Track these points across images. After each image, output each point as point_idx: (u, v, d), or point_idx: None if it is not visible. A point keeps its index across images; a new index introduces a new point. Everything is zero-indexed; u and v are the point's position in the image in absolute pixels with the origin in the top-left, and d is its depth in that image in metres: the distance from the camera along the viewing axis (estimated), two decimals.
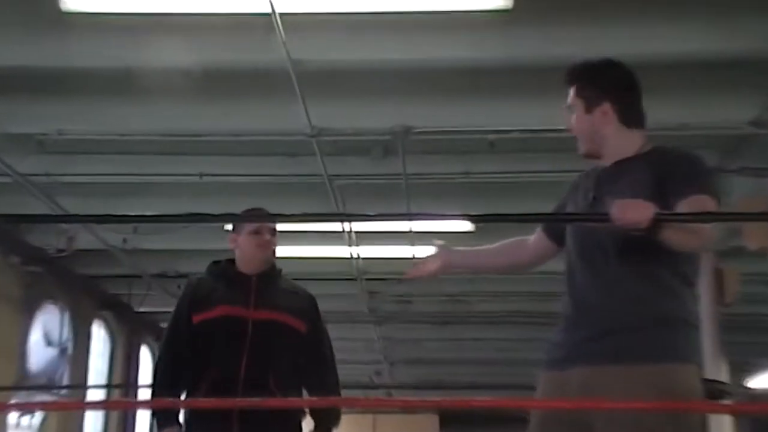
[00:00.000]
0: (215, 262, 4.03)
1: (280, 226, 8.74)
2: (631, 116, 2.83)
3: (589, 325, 2.66)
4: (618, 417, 2.47)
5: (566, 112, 2.90)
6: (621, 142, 2.78)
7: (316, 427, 3.83)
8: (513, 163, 7.68)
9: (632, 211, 2.39)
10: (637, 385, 2.49)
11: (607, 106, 2.81)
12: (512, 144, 7.29)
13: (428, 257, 3.14)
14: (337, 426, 3.89)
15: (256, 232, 3.90)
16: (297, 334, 3.83)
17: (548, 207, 3.09)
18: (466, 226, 9.08)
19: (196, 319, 3.79)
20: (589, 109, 2.84)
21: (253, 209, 3.99)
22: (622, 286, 2.64)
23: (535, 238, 3.05)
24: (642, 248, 2.55)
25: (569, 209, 2.91)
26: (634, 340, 2.58)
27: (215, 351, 3.71)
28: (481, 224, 8.59)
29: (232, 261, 3.96)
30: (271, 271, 3.95)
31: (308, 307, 3.94)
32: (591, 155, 2.87)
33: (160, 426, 3.74)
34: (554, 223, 3.00)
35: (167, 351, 3.83)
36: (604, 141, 2.81)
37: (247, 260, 3.91)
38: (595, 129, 2.82)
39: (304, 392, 3.87)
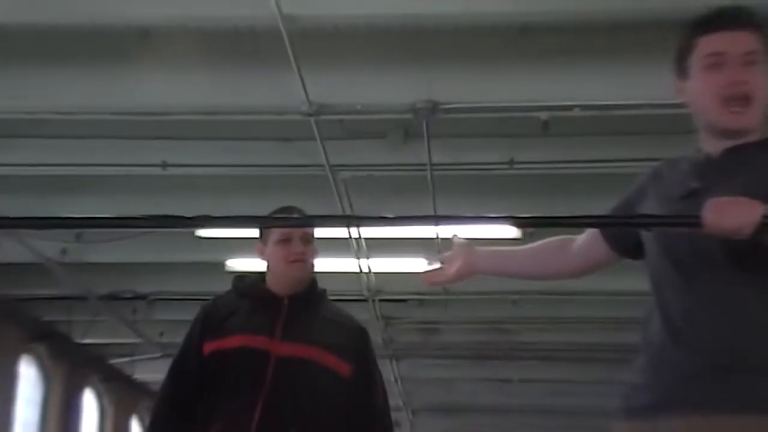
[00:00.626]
0: (240, 277, 4.03)
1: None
2: None
3: (692, 361, 2.59)
4: None
5: (741, 65, 2.75)
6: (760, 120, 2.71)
7: None
8: (572, 149, 7.71)
9: (732, 213, 2.37)
10: None
11: None
12: (571, 125, 7.29)
13: (446, 257, 3.14)
14: None
15: (285, 240, 3.89)
16: (336, 377, 3.79)
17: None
18: (509, 231, 9.10)
19: (208, 348, 3.80)
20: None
21: (284, 209, 3.94)
22: (741, 308, 2.56)
23: (585, 239, 3.01)
24: (765, 256, 2.49)
25: (645, 208, 2.87)
26: (766, 383, 2.51)
27: (223, 395, 3.71)
28: (529, 229, 8.60)
29: (262, 276, 3.97)
30: (310, 292, 3.96)
31: (355, 343, 3.90)
32: (746, 130, 2.77)
33: None
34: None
35: (169, 385, 3.87)
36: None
37: (276, 277, 3.91)
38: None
39: None
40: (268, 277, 3.93)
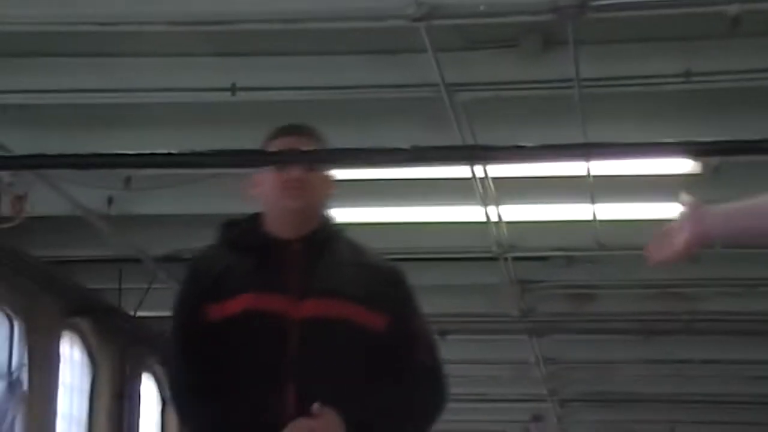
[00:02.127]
0: (229, 224, 4.00)
1: (370, 172, 8.89)
2: None
3: None
4: None
5: None
6: None
7: None
8: None
9: None
10: None
11: None
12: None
13: (674, 225, 3.14)
14: None
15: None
16: (373, 336, 3.80)
17: None
18: (686, 166, 8.99)
19: (208, 314, 3.79)
20: None
21: (285, 127, 3.95)
22: None
23: None
24: None
25: None
26: None
27: (241, 379, 3.73)
28: (714, 161, 8.49)
29: (257, 219, 3.94)
30: (325, 230, 3.93)
31: (390, 288, 3.89)
32: None
33: None
34: None
35: (180, 367, 3.88)
36: None
37: (276, 216, 3.89)
38: None
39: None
40: (266, 219, 3.89)
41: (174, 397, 3.97)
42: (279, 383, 3.66)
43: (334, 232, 3.93)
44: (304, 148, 3.81)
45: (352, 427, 3.63)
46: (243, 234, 3.91)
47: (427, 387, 3.87)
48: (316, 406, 3.57)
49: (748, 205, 3.13)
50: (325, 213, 3.92)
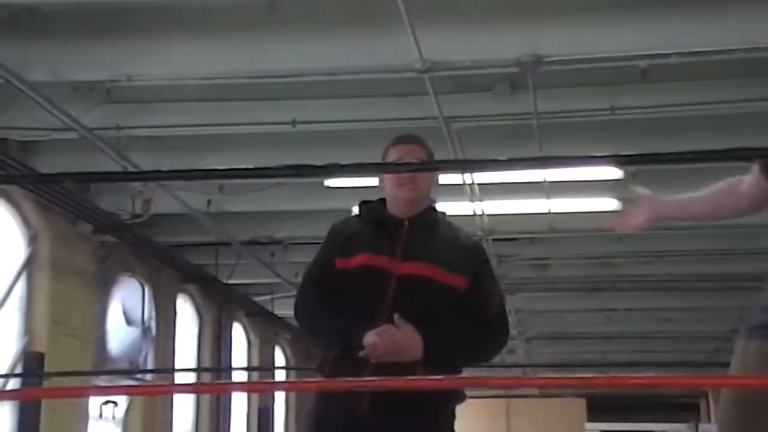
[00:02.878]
0: (365, 202, 3.92)
1: None
2: None
3: None
4: None
5: None
6: None
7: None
8: (670, 94, 7.48)
9: None
10: None
11: None
12: (669, 72, 7.10)
13: (633, 206, 3.12)
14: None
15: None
16: (453, 291, 3.68)
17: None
18: (612, 173, 8.92)
19: (338, 263, 3.74)
20: None
21: (403, 137, 3.88)
22: None
23: (750, 179, 2.99)
24: None
25: None
26: None
27: (352, 310, 3.63)
28: (631, 169, 8.42)
29: (383, 201, 3.87)
30: (428, 214, 3.85)
31: (470, 257, 3.77)
32: None
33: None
34: None
35: (309, 293, 3.77)
36: None
37: (391, 201, 3.82)
38: None
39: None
40: (387, 202, 3.84)
41: (305, 320, 3.86)
42: (376, 316, 3.58)
43: (435, 215, 3.87)
44: (416, 153, 3.80)
45: (427, 347, 3.55)
46: (370, 211, 3.87)
47: (494, 330, 3.78)
48: (396, 317, 3.52)
49: (686, 197, 3.12)
50: (430, 201, 3.87)
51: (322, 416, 3.66)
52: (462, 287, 3.70)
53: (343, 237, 3.80)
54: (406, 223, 3.76)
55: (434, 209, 3.88)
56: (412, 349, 3.51)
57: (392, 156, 3.81)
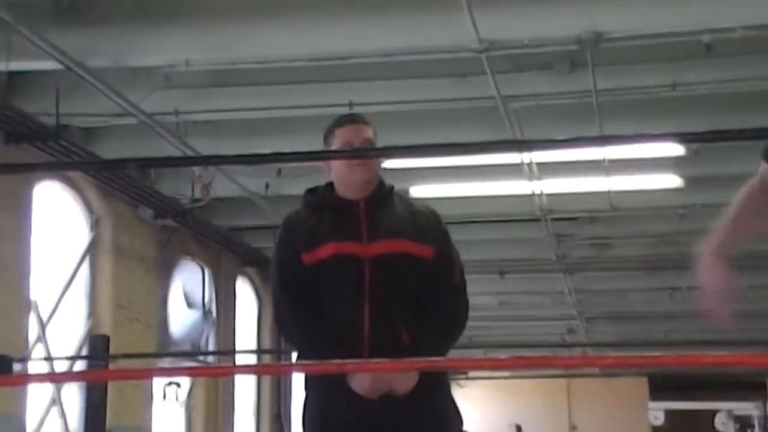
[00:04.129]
0: (310, 190, 3.86)
1: (447, 160, 8.84)
2: None
3: None
4: None
5: None
6: None
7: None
8: (735, 69, 7.36)
9: None
10: None
11: None
12: (734, 46, 6.97)
13: (703, 273, 3.05)
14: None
15: (347, 146, 3.75)
16: (424, 262, 3.68)
17: None
18: (675, 150, 8.80)
19: (306, 259, 3.67)
20: None
21: (347, 116, 3.86)
22: None
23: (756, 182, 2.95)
24: None
25: None
26: None
27: (328, 307, 3.60)
28: (694, 146, 8.31)
29: (330, 186, 3.81)
30: (381, 190, 3.80)
31: (433, 227, 3.78)
32: None
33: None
34: None
35: (284, 298, 3.70)
36: None
37: (344, 183, 3.76)
38: None
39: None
40: (336, 186, 3.79)
41: (280, 325, 3.93)
42: (358, 305, 3.59)
43: (387, 192, 3.83)
44: (364, 132, 3.77)
45: (410, 337, 3.59)
46: (322, 198, 3.81)
47: (460, 301, 3.79)
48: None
49: (728, 225, 3.02)
50: (379, 179, 3.83)
51: (329, 412, 3.66)
52: (430, 257, 3.71)
53: (302, 230, 3.72)
54: (362, 203, 3.73)
55: (385, 185, 3.84)
56: (405, 384, 3.57)
57: (339, 137, 3.76)
